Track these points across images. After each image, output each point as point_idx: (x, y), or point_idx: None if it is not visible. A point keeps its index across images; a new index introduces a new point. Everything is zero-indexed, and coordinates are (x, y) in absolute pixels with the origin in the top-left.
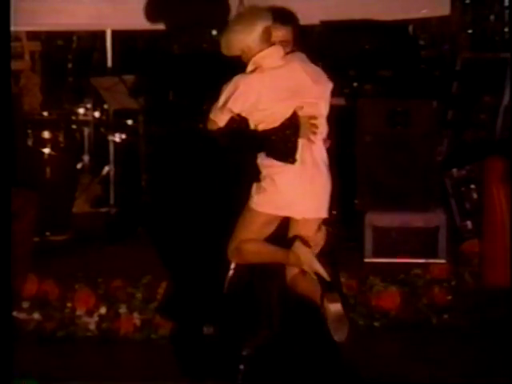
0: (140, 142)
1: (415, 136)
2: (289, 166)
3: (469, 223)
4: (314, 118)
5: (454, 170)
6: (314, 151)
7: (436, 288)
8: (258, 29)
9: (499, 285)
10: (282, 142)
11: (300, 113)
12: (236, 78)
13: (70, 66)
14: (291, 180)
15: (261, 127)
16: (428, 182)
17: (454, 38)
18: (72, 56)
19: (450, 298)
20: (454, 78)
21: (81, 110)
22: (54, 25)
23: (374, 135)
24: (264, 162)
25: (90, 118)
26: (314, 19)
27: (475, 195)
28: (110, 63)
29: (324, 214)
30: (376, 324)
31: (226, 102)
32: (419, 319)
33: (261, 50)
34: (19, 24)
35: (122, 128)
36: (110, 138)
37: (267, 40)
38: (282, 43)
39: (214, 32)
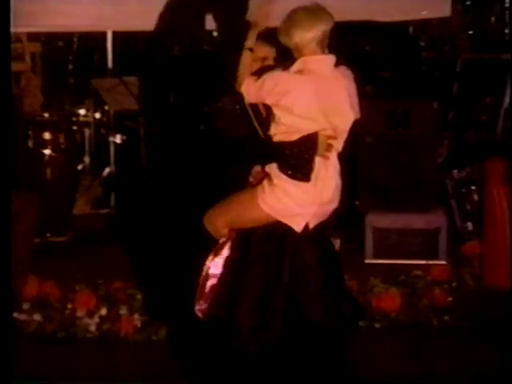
0: (141, 143)
1: (416, 137)
2: (302, 183)
3: (469, 224)
4: (334, 137)
5: (455, 171)
6: (328, 166)
7: (437, 289)
8: (319, 30)
9: (499, 286)
10: (296, 158)
11: (321, 131)
12: (281, 74)
13: (70, 67)
14: (302, 196)
15: (276, 138)
16: (428, 183)
17: (455, 39)
18: (73, 57)
19: (450, 299)
20: (454, 79)
21: (81, 111)
22: (55, 26)
23: (375, 136)
24: (276, 172)
25: (90, 119)
26: None
27: (476, 196)
28: (110, 64)
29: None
30: (376, 325)
31: (261, 91)
32: (420, 320)
33: (312, 53)
34: (20, 25)
35: (123, 129)
36: (111, 139)
37: (322, 44)
38: (267, 60)
39: (215, 33)
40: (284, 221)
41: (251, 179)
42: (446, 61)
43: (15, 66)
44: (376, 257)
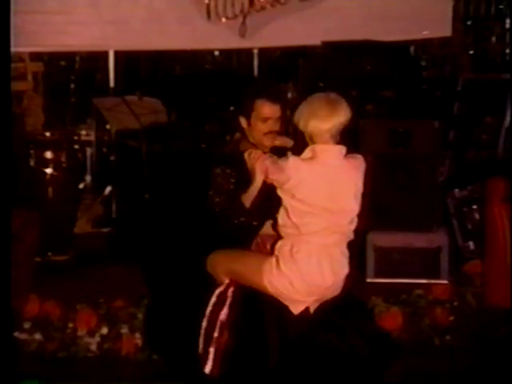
0: (142, 162)
1: (417, 156)
2: (308, 276)
3: (471, 244)
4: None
5: (456, 190)
6: (332, 255)
7: (438, 309)
8: (336, 122)
9: (501, 305)
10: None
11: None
12: (291, 161)
13: (72, 86)
14: (307, 288)
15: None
16: (430, 203)
17: (456, 58)
18: (74, 76)
19: (452, 318)
20: (455, 99)
21: (83, 131)
22: (57, 46)
23: (376, 155)
24: (285, 260)
25: (92, 138)
26: (316, 40)
27: (477, 216)
28: (112, 84)
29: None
30: None
31: (270, 173)
32: (421, 340)
33: (324, 142)
34: (22, 45)
35: (124, 148)
36: (112, 158)
37: (336, 135)
38: (270, 120)
39: (216, 53)
40: (284, 302)
41: (259, 241)
42: (446, 80)
43: (17, 86)
44: (377, 276)
